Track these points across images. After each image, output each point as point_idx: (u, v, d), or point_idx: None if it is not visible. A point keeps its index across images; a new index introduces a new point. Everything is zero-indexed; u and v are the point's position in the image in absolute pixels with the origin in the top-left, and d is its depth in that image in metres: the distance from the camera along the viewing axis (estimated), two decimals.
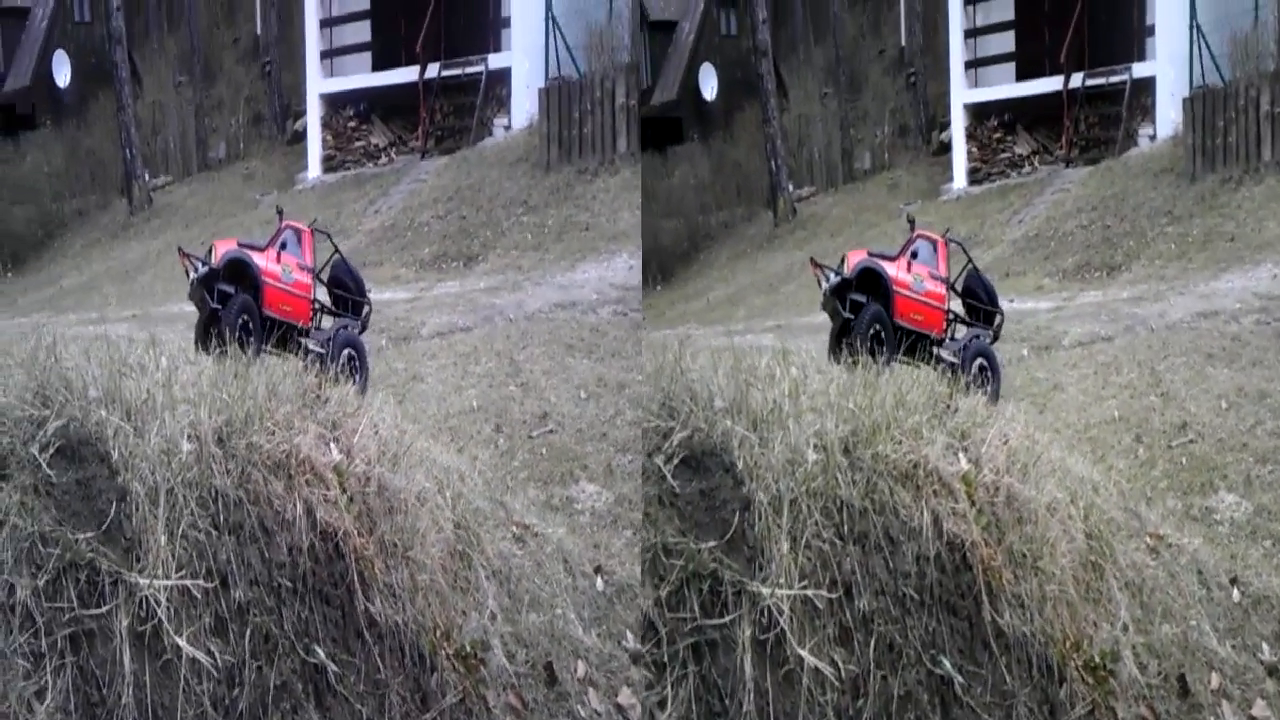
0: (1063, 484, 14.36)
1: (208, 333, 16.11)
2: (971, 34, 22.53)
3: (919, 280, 16.34)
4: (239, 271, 16.31)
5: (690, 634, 12.84)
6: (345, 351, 16.56)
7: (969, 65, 22.51)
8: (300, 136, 21.75)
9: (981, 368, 16.43)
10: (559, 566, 15.93)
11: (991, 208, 21.74)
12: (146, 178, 21.54)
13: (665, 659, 12.83)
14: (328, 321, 17.05)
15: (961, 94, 22.40)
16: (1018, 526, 13.79)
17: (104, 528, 13.19)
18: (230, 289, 16.13)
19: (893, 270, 16.29)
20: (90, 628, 13.08)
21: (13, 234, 21.04)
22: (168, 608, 13.17)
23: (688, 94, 22.35)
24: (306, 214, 20.92)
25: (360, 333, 16.96)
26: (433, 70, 21.41)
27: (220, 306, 16.06)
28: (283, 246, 16.61)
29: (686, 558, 12.88)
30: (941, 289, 16.47)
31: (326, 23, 21.92)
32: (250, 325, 16.12)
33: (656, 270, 21.50)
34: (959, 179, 22.22)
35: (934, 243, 16.66)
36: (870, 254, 16.49)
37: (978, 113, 22.31)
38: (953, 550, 13.48)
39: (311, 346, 16.50)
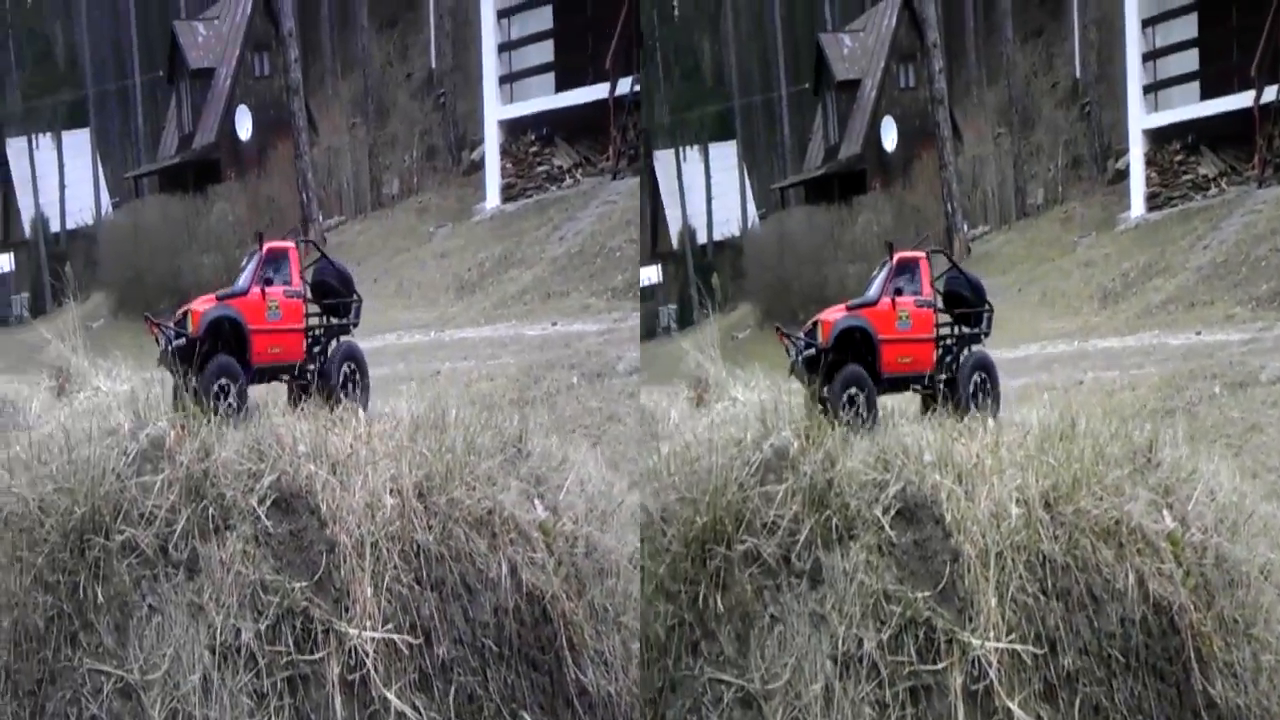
0: (1276, 543, 13.93)
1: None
2: (1150, 56, 22.23)
3: (905, 318, 15.47)
4: (221, 330, 15.31)
5: (907, 677, 13.19)
6: (344, 367, 15.69)
7: (1147, 89, 22.21)
8: (477, 166, 21.66)
9: (980, 381, 15.55)
10: None
11: (1173, 234, 21.21)
12: (321, 219, 21.87)
13: (887, 699, 13.13)
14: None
15: (1140, 119, 22.09)
16: (1228, 590, 13.54)
17: (316, 578, 13.52)
18: (209, 350, 15.07)
19: (876, 319, 15.33)
20: (305, 672, 13.51)
21: (201, 282, 21.33)
22: (374, 659, 13.47)
23: (870, 147, 22.85)
24: (485, 245, 20.91)
25: (355, 325, 15.96)
26: (623, 86, 21.21)
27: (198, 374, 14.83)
28: (267, 281, 15.63)
29: (904, 605, 13.21)
30: (928, 313, 15.56)
31: (505, 47, 21.92)
32: (228, 388, 14.89)
33: None
34: (1137, 206, 21.85)
35: (915, 263, 15.69)
36: (849, 308, 15.51)
37: (1158, 137, 21.99)
38: (1159, 613, 13.36)
39: (308, 369, 15.57)
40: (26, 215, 21.67)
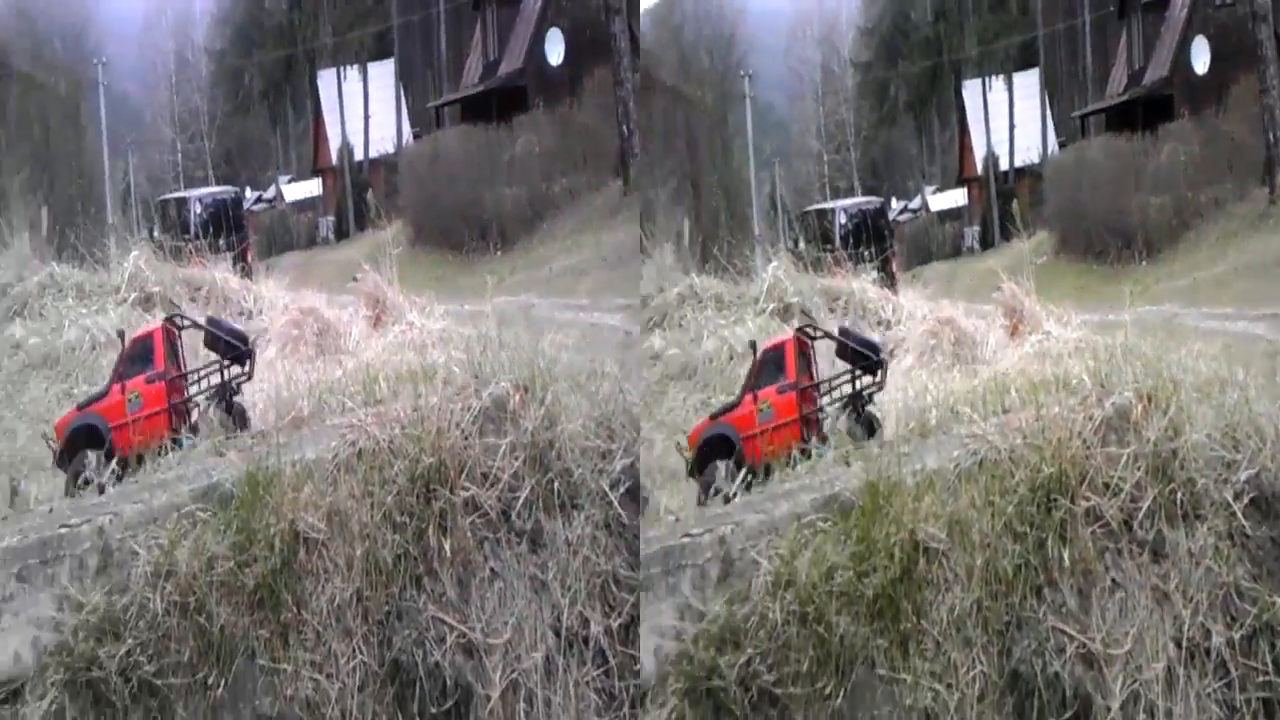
0: None
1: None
2: None
3: (765, 409, 16.74)
4: (87, 435, 17.08)
5: (1261, 687, 12.95)
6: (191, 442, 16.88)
7: None
8: None
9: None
10: None
11: None
12: (640, 154, 20.97)
13: (1237, 702, 12.98)
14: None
15: None
16: None
17: None
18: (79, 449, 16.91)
19: (737, 419, 16.81)
20: None
21: (503, 214, 21.36)
22: None
23: (1178, 71, 22.15)
24: None
25: (248, 379, 17.32)
26: None
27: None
28: (128, 372, 17.24)
29: (1260, 607, 12.81)
30: (791, 397, 16.76)
31: None
32: (89, 479, 16.84)
33: (1141, 244, 21.60)
34: None
35: (781, 349, 17.00)
36: (712, 417, 17.03)
37: None
38: None
39: (184, 440, 16.92)
40: (334, 144, 22.08)
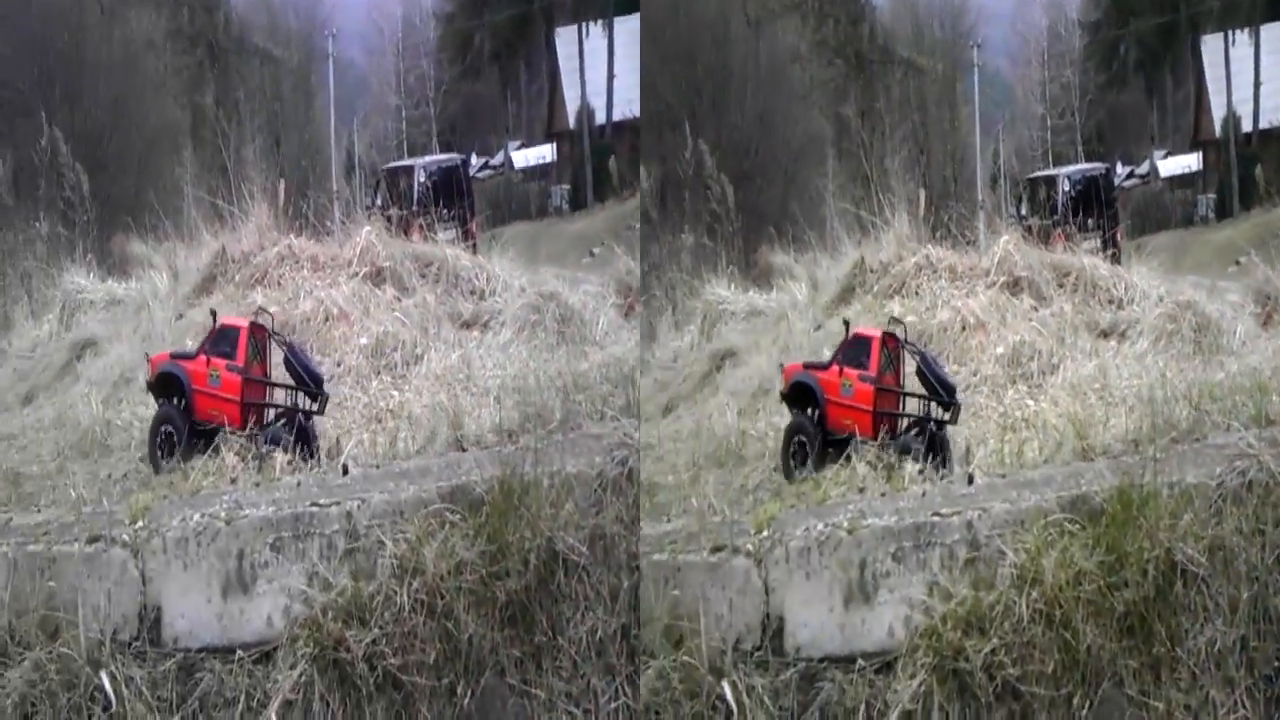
0: None
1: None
2: None
3: (847, 385, 17.33)
4: (171, 383, 17.75)
5: None
6: (281, 438, 17.42)
7: None
8: None
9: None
10: None
11: None
12: None
13: None
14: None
15: None
16: None
17: None
18: (163, 400, 17.68)
19: (823, 379, 17.49)
20: None
21: None
22: None
23: None
24: None
25: (318, 413, 17.65)
26: None
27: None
28: (214, 350, 17.84)
29: None
30: (869, 389, 17.34)
31: None
32: (173, 434, 17.59)
33: None
34: None
35: (869, 341, 17.46)
36: (805, 366, 17.76)
37: None
38: None
39: (244, 440, 17.39)
40: (572, 107, 20.99)
